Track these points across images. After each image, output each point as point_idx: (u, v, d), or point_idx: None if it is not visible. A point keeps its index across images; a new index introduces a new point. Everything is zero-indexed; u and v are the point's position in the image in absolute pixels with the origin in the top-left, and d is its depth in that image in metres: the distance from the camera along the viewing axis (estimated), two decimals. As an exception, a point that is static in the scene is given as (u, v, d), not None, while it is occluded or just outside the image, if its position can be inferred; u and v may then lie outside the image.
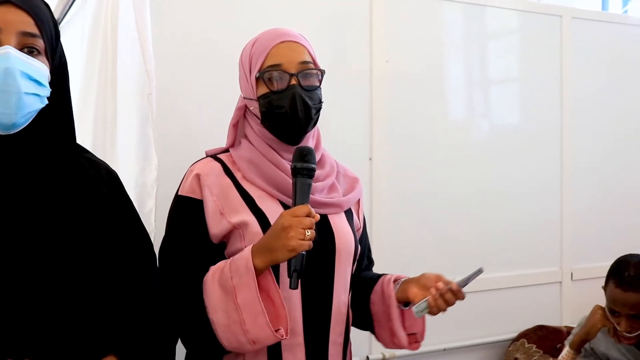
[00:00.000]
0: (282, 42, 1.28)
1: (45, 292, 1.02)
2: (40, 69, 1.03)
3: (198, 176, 1.28)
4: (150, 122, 1.76)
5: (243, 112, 1.36)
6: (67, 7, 2.25)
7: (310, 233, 1.15)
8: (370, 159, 2.33)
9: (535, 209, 2.71)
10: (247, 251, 1.19)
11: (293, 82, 1.27)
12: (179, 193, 1.31)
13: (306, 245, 1.15)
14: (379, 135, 2.35)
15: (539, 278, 2.72)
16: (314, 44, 2.23)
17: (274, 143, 1.31)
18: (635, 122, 2.94)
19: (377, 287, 1.42)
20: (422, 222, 2.45)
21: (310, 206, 1.19)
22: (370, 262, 1.56)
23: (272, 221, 1.24)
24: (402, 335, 1.38)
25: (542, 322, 2.64)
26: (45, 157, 1.07)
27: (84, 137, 1.76)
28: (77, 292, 1.06)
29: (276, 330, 1.17)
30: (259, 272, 1.18)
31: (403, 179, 2.41)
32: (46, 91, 1.04)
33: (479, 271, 1.26)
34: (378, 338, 1.47)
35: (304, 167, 1.21)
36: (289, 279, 1.17)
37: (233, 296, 1.17)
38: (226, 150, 1.36)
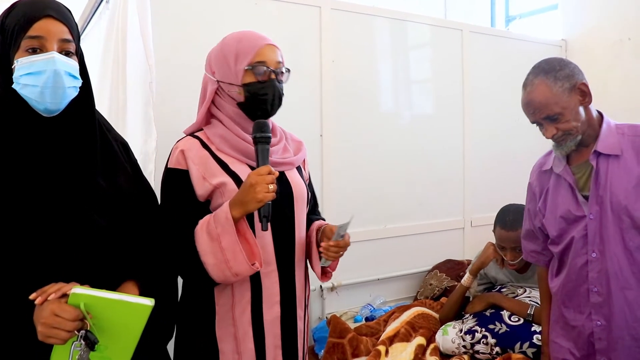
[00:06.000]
0: (267, 44, 1.28)
1: (84, 235, 1.03)
2: (76, 66, 1.03)
3: (183, 151, 1.25)
4: (151, 104, 1.78)
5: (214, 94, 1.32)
6: (89, 19, 2.24)
7: (272, 187, 1.16)
8: (321, 135, 2.36)
9: (444, 174, 2.77)
10: (225, 205, 1.19)
11: (272, 76, 1.27)
12: (168, 166, 1.27)
13: (270, 196, 1.16)
14: (327, 118, 2.37)
15: (447, 225, 2.80)
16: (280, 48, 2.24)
17: (242, 120, 1.29)
18: (514, 109, 2.80)
19: (309, 232, 1.43)
20: (359, 182, 2.48)
21: (270, 166, 1.19)
22: (315, 203, 1.54)
23: (244, 180, 1.23)
24: (317, 271, 1.39)
25: (450, 257, 2.71)
26: (78, 129, 1.06)
27: (101, 116, 1.77)
28: (105, 233, 1.06)
29: (252, 264, 1.19)
30: (236, 221, 1.18)
31: (345, 151, 2.44)
32: (79, 83, 1.04)
33: (339, 233, 1.27)
34: (313, 268, 1.45)
35: (263, 136, 1.22)
36: (260, 223, 1.19)
37: (218, 242, 1.17)
38: (200, 128, 1.33)
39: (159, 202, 1.27)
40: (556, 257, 1.45)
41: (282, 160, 1.33)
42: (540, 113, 1.31)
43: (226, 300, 1.26)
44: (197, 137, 1.30)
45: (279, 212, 1.27)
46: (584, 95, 1.31)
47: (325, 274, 1.42)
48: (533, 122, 1.37)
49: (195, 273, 1.20)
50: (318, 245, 1.36)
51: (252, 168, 1.27)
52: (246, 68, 1.26)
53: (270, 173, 1.17)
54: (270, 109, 1.29)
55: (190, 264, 1.19)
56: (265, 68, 1.27)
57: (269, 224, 1.20)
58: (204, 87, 1.35)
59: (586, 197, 1.34)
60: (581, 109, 1.31)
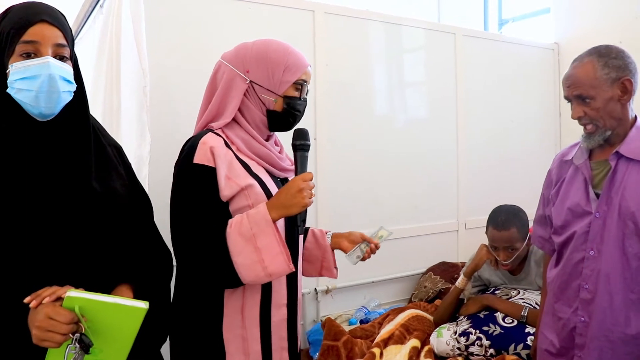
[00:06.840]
0: (309, 66, 1.33)
1: (78, 239, 1.03)
2: (70, 71, 1.03)
3: (212, 148, 1.21)
4: (145, 108, 1.77)
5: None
6: (83, 23, 2.24)
7: (313, 192, 1.22)
8: (315, 139, 2.34)
9: (438, 177, 2.77)
10: (262, 207, 1.18)
11: (306, 95, 1.34)
12: (194, 162, 1.20)
13: (311, 202, 1.21)
14: (321, 121, 2.37)
15: (441, 227, 2.80)
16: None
17: (262, 126, 1.31)
18: (507, 112, 3.00)
19: (310, 238, 1.49)
20: (354, 186, 2.48)
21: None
22: None
23: (267, 184, 1.26)
24: (333, 270, 1.48)
25: (444, 259, 2.72)
26: (72, 133, 1.07)
27: (95, 120, 1.76)
28: (100, 236, 1.06)
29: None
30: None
31: (340, 154, 2.43)
32: (73, 87, 1.04)
33: (382, 237, 1.45)
34: (303, 272, 1.50)
35: (304, 143, 1.26)
36: (298, 227, 1.25)
37: (253, 242, 1.16)
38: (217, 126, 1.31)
39: (176, 197, 1.24)
40: (556, 248, 1.47)
41: (288, 167, 1.37)
42: (574, 89, 1.32)
43: (236, 302, 1.25)
44: (220, 136, 1.27)
45: (291, 217, 1.28)
46: (625, 91, 1.30)
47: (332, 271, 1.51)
48: (565, 97, 1.38)
49: (223, 273, 1.17)
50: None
51: (270, 173, 1.31)
52: (294, 82, 1.29)
53: (311, 179, 1.22)
54: (294, 124, 1.33)
55: (220, 264, 1.17)
56: (307, 87, 1.33)
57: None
58: (226, 80, 1.30)
59: (598, 195, 1.35)
60: (618, 105, 1.31)
